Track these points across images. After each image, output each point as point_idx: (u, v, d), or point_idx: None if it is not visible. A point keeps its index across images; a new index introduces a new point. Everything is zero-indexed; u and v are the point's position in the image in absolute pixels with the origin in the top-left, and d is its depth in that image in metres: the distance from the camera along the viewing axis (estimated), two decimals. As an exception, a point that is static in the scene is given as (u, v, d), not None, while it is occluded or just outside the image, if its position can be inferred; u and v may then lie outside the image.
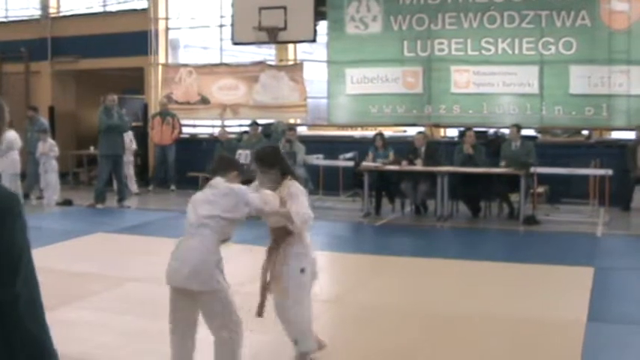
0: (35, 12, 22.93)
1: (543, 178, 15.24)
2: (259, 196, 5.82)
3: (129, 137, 18.76)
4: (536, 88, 16.94)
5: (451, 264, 10.80)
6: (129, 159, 18.89)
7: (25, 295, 2.55)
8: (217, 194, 5.67)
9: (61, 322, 7.27)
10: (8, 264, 2.56)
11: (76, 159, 22.40)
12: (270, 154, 6.42)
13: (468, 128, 15.92)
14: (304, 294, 6.25)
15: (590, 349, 6.73)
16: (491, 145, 15.92)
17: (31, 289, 2.60)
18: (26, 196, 17.72)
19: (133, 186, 18.86)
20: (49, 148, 17.37)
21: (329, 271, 11.22)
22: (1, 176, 16.85)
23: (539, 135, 17.32)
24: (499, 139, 16.59)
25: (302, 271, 6.14)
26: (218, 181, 5.79)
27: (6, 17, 23.69)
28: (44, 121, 18.81)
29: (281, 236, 6.20)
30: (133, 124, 19.24)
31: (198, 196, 5.82)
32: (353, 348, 6.97)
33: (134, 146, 19.06)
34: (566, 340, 7.07)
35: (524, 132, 15.85)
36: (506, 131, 16.70)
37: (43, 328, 2.63)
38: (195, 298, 5.56)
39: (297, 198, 6.02)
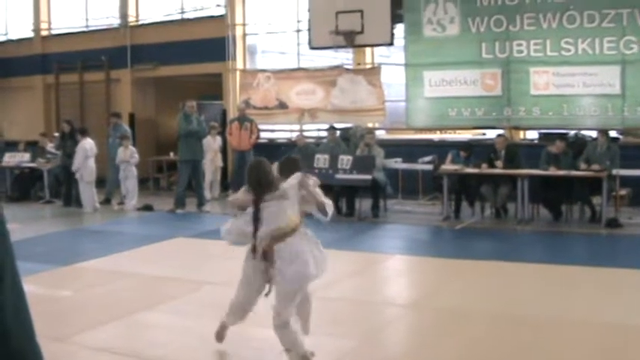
0: (115, 21, 23.29)
1: (626, 181, 14.94)
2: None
3: (217, 143, 19.02)
4: (617, 89, 16.63)
5: (532, 268, 10.64)
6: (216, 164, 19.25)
7: (10, 304, 2.50)
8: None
9: (142, 325, 7.35)
10: None
11: (155, 165, 22.67)
12: (290, 164, 6.80)
13: (559, 138, 15.57)
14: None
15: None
16: (572, 148, 15.66)
17: (16, 298, 2.54)
18: (107, 201, 18.01)
19: (208, 193, 18.86)
20: (130, 155, 17.61)
21: (408, 275, 11.17)
22: (79, 183, 17.21)
23: (621, 136, 17.01)
24: (579, 140, 16.34)
25: None
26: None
27: (86, 27, 24.10)
28: (126, 127, 19.10)
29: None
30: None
31: None
32: (430, 353, 6.89)
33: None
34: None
35: (604, 133, 15.60)
36: (587, 133, 16.48)
37: (31, 336, 2.57)
38: None
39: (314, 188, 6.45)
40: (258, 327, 6.83)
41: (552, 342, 7.06)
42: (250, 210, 6.31)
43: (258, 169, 6.43)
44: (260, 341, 6.99)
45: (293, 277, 6.15)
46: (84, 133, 17.68)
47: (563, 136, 15.84)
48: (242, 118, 19.12)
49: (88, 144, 17.24)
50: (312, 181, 6.43)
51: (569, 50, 17.00)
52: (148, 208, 17.40)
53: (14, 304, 2.53)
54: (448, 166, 15.44)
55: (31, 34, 24.99)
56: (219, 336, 6.79)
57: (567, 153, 14.97)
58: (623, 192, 15.05)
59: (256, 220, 6.26)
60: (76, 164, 17.10)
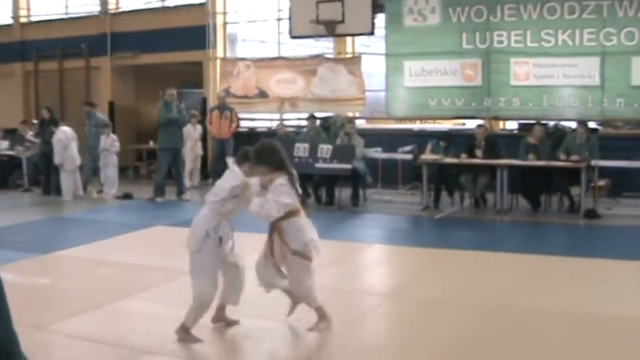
0: (95, 8, 23.20)
1: (604, 172, 15.02)
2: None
3: (198, 131, 19.01)
4: (597, 80, 16.69)
5: (511, 257, 10.70)
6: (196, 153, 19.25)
7: None
8: None
9: (122, 313, 7.35)
10: None
11: (135, 153, 22.61)
12: (266, 149, 6.86)
13: (538, 122, 15.71)
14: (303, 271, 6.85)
15: (653, 345, 6.63)
16: (551, 138, 15.71)
17: None
18: (84, 189, 17.93)
19: (188, 181, 18.83)
20: (110, 143, 17.57)
21: (387, 264, 11.21)
22: (60, 172, 17.12)
23: (600, 127, 17.09)
24: (559, 131, 16.40)
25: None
26: None
27: (66, 14, 23.98)
28: (101, 116, 18.96)
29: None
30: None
31: None
32: (409, 342, 6.92)
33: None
34: (630, 336, 6.95)
35: (583, 124, 15.67)
36: (567, 124, 16.54)
37: (7, 324, 2.55)
38: None
39: (275, 189, 6.56)
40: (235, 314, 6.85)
41: (530, 331, 7.10)
42: (285, 186, 6.62)
43: (277, 148, 6.89)
44: (237, 328, 7.04)
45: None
46: (56, 123, 17.57)
47: (542, 124, 15.91)
48: (222, 107, 19.08)
49: (61, 133, 17.09)
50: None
51: (549, 41, 17.03)
52: (127, 196, 17.37)
53: None
54: (428, 156, 15.49)
55: (10, 21, 24.86)
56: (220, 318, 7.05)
57: (545, 142, 15.03)
58: (601, 183, 15.15)
59: (297, 191, 6.75)
60: (57, 157, 16.99)
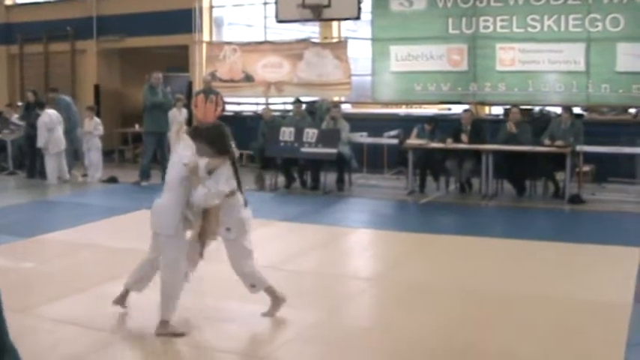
0: (81, -10, 23.05)
1: (589, 157, 15.05)
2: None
3: (183, 115, 18.91)
4: (582, 66, 16.75)
5: (495, 243, 10.73)
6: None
7: None
8: None
9: (106, 297, 7.33)
10: None
11: (121, 137, 22.56)
12: (216, 133, 6.91)
13: (514, 106, 15.81)
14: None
15: (636, 331, 6.65)
16: (536, 123, 15.74)
17: None
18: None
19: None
20: (93, 126, 17.50)
21: (372, 249, 11.22)
22: (45, 155, 17.03)
23: (585, 113, 17.13)
24: (544, 117, 16.43)
25: (228, 230, 6.80)
26: None
27: (52, -4, 23.84)
28: (66, 98, 18.71)
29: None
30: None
31: None
32: (394, 326, 6.94)
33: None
34: (611, 321, 6.98)
35: (569, 110, 15.69)
36: (552, 109, 16.57)
37: (1, 325, 2.56)
38: None
39: (216, 177, 6.64)
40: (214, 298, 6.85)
41: (514, 316, 7.14)
42: (225, 170, 6.69)
43: (226, 133, 6.89)
44: (221, 311, 7.05)
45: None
46: (42, 106, 17.46)
47: (524, 110, 15.96)
48: (208, 91, 18.99)
49: (47, 116, 16.99)
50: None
51: (535, 27, 17.08)
52: (112, 180, 17.33)
53: None
54: (413, 141, 15.48)
55: (-5, 4, 24.72)
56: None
57: (525, 127, 15.03)
58: (586, 168, 15.19)
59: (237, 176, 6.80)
60: (41, 140, 16.89)
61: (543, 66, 17.14)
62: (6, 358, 2.55)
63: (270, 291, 6.99)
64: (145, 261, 6.98)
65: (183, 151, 6.68)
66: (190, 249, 6.79)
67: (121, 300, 7.12)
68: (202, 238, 6.83)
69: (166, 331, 6.57)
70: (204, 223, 6.75)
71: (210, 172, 6.58)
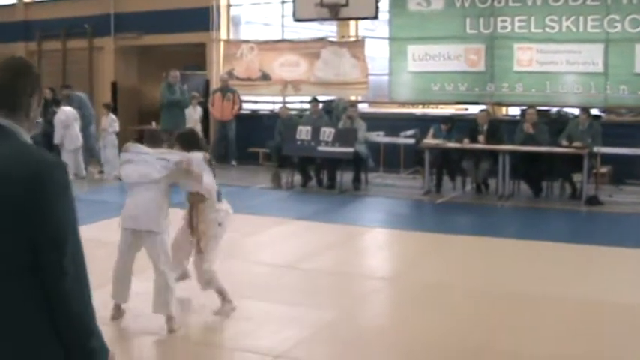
0: (99, -12, 23.10)
1: (607, 159, 15.01)
2: None
3: (198, 113, 18.90)
4: (600, 67, 16.68)
5: (511, 243, 10.72)
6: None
7: (71, 273, 2.52)
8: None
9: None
10: (57, 240, 2.51)
11: (138, 134, 22.59)
12: (188, 137, 7.30)
13: (530, 106, 15.75)
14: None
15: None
16: (553, 125, 15.69)
17: (77, 267, 2.56)
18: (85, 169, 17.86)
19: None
20: (109, 123, 17.55)
21: (388, 248, 11.23)
22: (62, 151, 17.07)
23: (603, 114, 17.06)
24: (562, 118, 16.38)
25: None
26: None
27: (70, -6, 23.90)
28: (80, 95, 18.75)
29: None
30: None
31: None
32: (409, 326, 6.95)
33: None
34: (628, 324, 6.97)
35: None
36: (569, 110, 16.52)
37: (88, 307, 2.59)
38: None
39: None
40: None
41: (528, 317, 7.13)
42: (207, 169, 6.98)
43: (198, 136, 7.44)
44: (237, 309, 7.06)
45: None
46: (58, 103, 17.49)
47: (542, 111, 15.90)
48: (225, 89, 19.09)
49: (63, 114, 17.02)
50: None
51: (553, 27, 17.02)
52: (128, 177, 17.33)
53: (76, 273, 2.56)
54: (430, 141, 15.45)
55: (13, 1, 24.75)
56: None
57: (542, 128, 14.98)
58: (603, 170, 15.15)
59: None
60: (57, 137, 16.92)
61: (561, 67, 17.09)
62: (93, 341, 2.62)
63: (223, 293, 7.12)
64: (119, 269, 7.13)
65: (165, 155, 6.98)
66: (182, 243, 6.94)
67: (117, 314, 7.11)
68: (195, 233, 7.02)
69: (175, 325, 6.61)
70: (191, 218, 7.02)
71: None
